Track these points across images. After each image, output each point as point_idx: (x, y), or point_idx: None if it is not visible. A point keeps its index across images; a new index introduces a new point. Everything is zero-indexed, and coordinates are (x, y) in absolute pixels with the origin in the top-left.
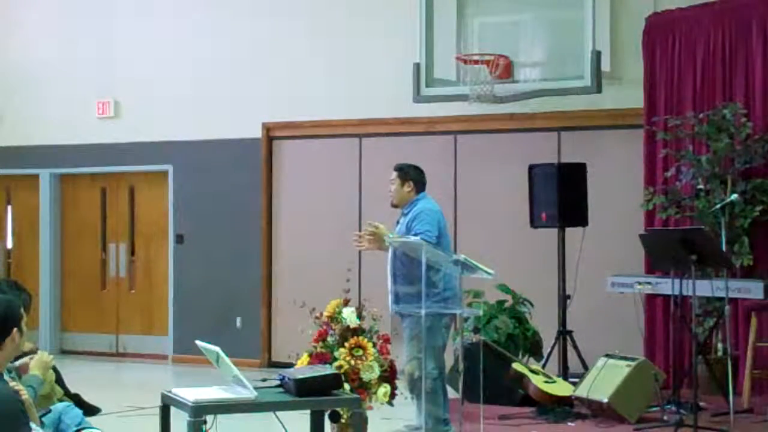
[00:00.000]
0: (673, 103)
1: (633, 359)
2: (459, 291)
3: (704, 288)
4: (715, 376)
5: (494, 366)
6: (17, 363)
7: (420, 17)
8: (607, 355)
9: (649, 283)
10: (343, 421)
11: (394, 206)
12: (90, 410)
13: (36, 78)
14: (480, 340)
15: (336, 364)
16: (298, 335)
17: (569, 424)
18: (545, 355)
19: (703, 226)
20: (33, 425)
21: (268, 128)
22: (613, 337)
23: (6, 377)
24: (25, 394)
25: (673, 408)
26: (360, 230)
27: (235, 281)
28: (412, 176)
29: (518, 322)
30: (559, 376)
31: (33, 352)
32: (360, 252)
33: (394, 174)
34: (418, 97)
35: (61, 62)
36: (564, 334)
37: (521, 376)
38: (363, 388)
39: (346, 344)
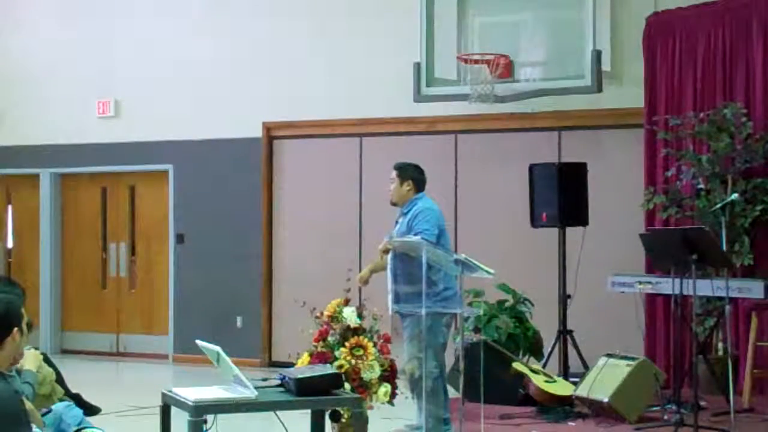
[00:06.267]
0: (674, 102)
1: (633, 359)
2: (459, 290)
3: (705, 287)
4: (715, 376)
5: (495, 365)
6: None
7: (420, 17)
8: (608, 355)
9: (649, 282)
10: (343, 420)
11: (393, 204)
12: (90, 410)
13: (36, 78)
14: (480, 340)
15: (336, 363)
16: (298, 335)
17: (569, 423)
18: (546, 354)
19: (703, 226)
20: (36, 429)
21: (268, 128)
22: (614, 336)
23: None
24: (28, 404)
25: (674, 407)
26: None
27: (235, 281)
28: (412, 175)
29: (519, 321)
30: (559, 375)
31: None
32: (360, 252)
33: (394, 173)
34: (419, 97)
35: (61, 62)
36: (564, 333)
37: (522, 376)
38: (363, 387)
39: (347, 344)
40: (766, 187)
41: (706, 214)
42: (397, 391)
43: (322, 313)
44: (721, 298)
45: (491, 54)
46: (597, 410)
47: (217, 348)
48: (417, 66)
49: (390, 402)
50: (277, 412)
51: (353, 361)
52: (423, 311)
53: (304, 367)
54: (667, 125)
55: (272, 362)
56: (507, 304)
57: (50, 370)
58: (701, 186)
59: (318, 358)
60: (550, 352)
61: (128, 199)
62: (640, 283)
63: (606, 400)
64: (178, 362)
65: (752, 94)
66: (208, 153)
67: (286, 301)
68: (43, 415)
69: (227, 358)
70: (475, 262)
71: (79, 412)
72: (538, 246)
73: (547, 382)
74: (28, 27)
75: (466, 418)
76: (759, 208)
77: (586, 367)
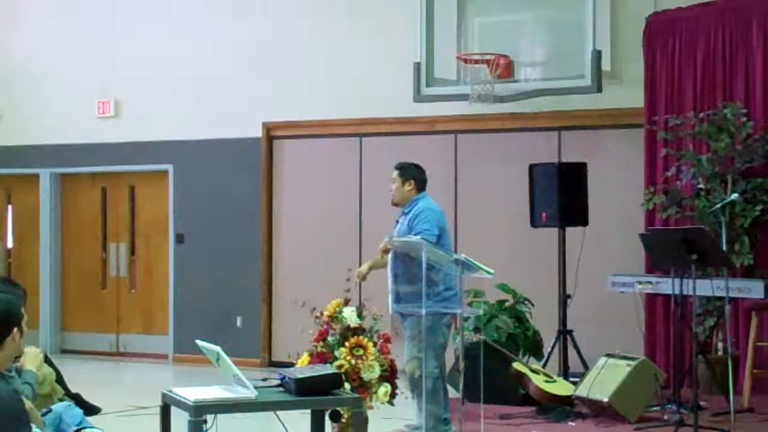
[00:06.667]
0: (674, 102)
1: (633, 359)
2: (459, 290)
3: (704, 287)
4: (715, 376)
5: (495, 365)
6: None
7: (420, 17)
8: (608, 355)
9: (649, 282)
10: (343, 420)
11: (395, 205)
12: (90, 410)
13: (36, 78)
14: (480, 340)
15: (336, 363)
16: (298, 335)
17: (569, 423)
18: (546, 354)
19: (703, 226)
20: (36, 429)
21: (268, 128)
22: (614, 336)
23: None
24: (28, 403)
25: (674, 407)
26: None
27: (235, 281)
28: (413, 175)
29: (519, 321)
30: (559, 375)
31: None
32: (360, 252)
33: (395, 173)
34: (419, 97)
35: (61, 62)
36: (564, 333)
37: (522, 376)
38: (363, 387)
39: (347, 344)
40: (766, 187)
41: (706, 214)
42: (397, 391)
43: (322, 313)
44: (721, 298)
45: (491, 54)
46: (597, 410)
47: (217, 348)
48: (417, 66)
49: (390, 402)
50: (277, 412)
51: (353, 361)
52: (423, 311)
53: (304, 367)
54: (667, 125)
55: (272, 362)
56: (507, 304)
57: (50, 370)
58: (701, 186)
59: (318, 358)
60: (550, 352)
61: (128, 199)
62: (640, 283)
63: (606, 400)
64: (178, 362)
65: (752, 94)
66: (208, 153)
67: (286, 301)
68: (43, 415)
69: (227, 358)
70: (475, 262)
71: (79, 412)
72: (538, 246)
73: (547, 382)
74: (28, 27)
75: (466, 418)
76: (759, 208)
77: (586, 367)
